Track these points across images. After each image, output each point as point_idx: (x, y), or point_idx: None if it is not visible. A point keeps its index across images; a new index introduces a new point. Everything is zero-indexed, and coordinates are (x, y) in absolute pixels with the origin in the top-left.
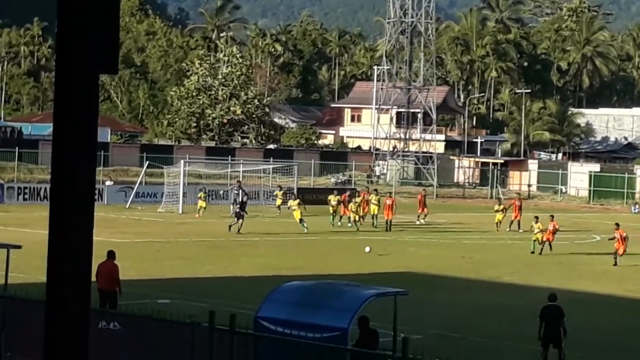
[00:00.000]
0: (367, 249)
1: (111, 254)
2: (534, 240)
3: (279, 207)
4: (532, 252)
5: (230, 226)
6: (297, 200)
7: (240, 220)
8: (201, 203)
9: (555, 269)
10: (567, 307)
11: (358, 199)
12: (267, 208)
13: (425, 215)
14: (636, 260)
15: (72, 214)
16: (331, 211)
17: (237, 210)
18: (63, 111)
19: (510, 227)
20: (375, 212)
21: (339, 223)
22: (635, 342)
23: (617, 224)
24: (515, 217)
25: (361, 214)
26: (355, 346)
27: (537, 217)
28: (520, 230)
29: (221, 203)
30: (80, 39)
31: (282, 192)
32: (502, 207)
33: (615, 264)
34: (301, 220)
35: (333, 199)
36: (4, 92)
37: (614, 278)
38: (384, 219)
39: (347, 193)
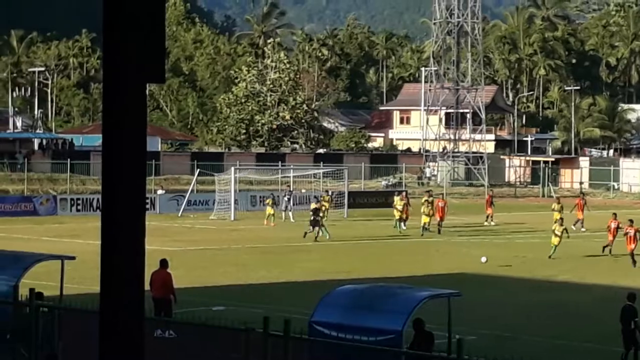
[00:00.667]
0: (484, 259)
1: (164, 263)
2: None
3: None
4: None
5: (305, 233)
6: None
7: (317, 228)
8: (269, 210)
9: (611, 266)
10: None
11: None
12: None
13: (490, 217)
14: None
15: (124, 224)
16: (397, 216)
17: (313, 218)
18: (112, 122)
19: (574, 225)
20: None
21: (404, 227)
22: None
23: (631, 220)
24: (579, 216)
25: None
26: (410, 349)
27: (614, 214)
28: (583, 230)
29: (273, 209)
30: (127, 49)
31: (328, 196)
32: (560, 205)
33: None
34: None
35: (399, 202)
36: (54, 105)
37: None
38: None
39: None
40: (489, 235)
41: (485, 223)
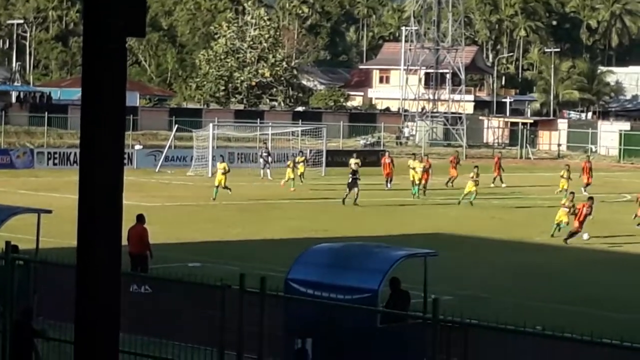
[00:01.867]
0: (586, 236)
1: (140, 218)
2: None
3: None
4: None
5: (344, 199)
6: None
7: (355, 189)
8: (290, 173)
9: (587, 228)
10: (601, 266)
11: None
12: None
13: (495, 179)
14: None
15: (102, 178)
16: (415, 179)
17: (351, 180)
18: (91, 75)
19: (585, 190)
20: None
21: (424, 194)
22: None
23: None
24: (588, 180)
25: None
26: (386, 307)
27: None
28: (585, 194)
29: (250, 166)
30: (107, 2)
31: (303, 158)
32: (568, 173)
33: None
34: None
35: (418, 165)
36: (32, 58)
37: None
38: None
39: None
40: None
41: (492, 185)
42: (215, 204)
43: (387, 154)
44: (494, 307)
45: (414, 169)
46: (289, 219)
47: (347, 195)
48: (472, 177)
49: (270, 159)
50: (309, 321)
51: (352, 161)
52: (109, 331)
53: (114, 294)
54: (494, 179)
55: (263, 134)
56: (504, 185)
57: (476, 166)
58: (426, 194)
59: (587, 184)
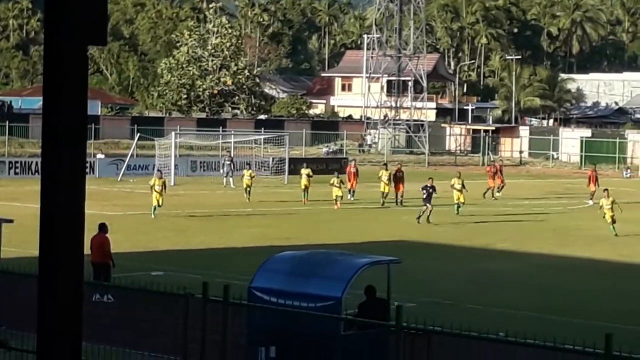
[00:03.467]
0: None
1: (102, 227)
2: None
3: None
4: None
5: (418, 217)
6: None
7: (429, 205)
8: (337, 191)
9: (548, 235)
10: (562, 272)
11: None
12: (259, 179)
13: (501, 188)
14: (630, 225)
15: (63, 188)
16: (383, 190)
17: (426, 195)
18: (52, 84)
19: (592, 199)
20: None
21: (401, 204)
22: (630, 305)
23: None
24: (593, 189)
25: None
26: (360, 315)
27: (606, 190)
28: (591, 202)
29: (213, 174)
30: (68, 11)
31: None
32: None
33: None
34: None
35: (385, 174)
36: None
37: (607, 243)
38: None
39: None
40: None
41: (499, 194)
42: (178, 213)
43: (353, 162)
44: (457, 314)
45: (382, 179)
46: (252, 227)
47: (423, 212)
48: (454, 185)
49: (233, 166)
50: (273, 329)
51: (304, 171)
52: (71, 341)
53: (76, 303)
54: (499, 188)
55: (225, 142)
56: (499, 194)
57: (459, 172)
58: (402, 204)
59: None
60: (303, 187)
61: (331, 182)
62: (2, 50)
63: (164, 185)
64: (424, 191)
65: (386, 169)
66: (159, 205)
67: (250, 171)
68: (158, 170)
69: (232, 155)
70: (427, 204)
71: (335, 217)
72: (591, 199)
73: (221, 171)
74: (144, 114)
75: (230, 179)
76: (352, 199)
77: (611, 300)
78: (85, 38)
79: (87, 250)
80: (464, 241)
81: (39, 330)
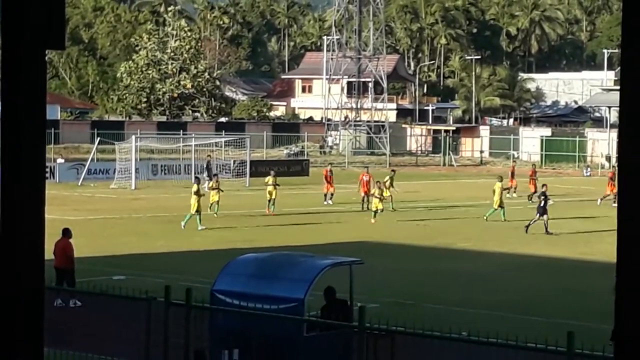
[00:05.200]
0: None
1: (66, 232)
2: None
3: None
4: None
5: (527, 227)
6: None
7: (545, 216)
8: (377, 204)
9: (509, 234)
10: (522, 271)
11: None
12: (221, 182)
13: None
14: (589, 223)
15: (23, 193)
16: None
17: (543, 203)
18: (10, 89)
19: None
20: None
21: (330, 202)
22: (591, 303)
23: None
24: (611, 190)
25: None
26: (323, 317)
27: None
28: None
29: (174, 178)
30: (26, 15)
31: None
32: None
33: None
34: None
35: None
36: None
37: (567, 242)
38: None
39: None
40: (390, 204)
41: (514, 195)
42: (140, 216)
43: (329, 166)
44: (420, 314)
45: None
46: (214, 230)
47: (535, 221)
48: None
49: (210, 170)
50: (236, 332)
51: (270, 179)
52: (32, 346)
53: (37, 308)
54: (514, 188)
55: (186, 146)
56: (514, 195)
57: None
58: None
59: (606, 196)
60: (269, 197)
61: (372, 192)
62: None
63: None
64: (542, 198)
65: (392, 177)
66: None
67: (271, 177)
68: (196, 177)
69: (212, 159)
70: (542, 215)
71: (296, 219)
72: (530, 199)
73: (205, 174)
74: (104, 118)
75: (206, 182)
76: (329, 202)
77: (572, 298)
78: (43, 42)
79: (51, 255)
80: (425, 241)
81: (0, 335)
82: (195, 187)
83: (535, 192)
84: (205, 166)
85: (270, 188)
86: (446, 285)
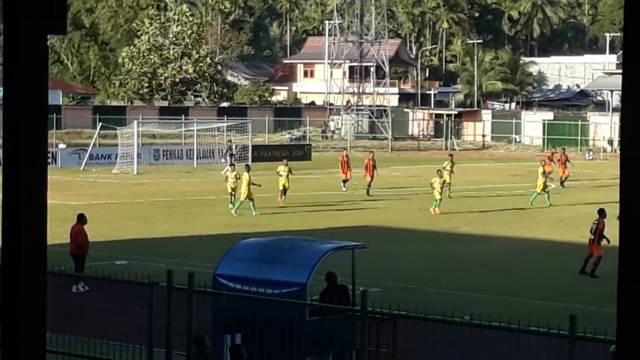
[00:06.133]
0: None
1: (80, 217)
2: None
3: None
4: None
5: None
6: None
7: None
8: (437, 192)
9: (511, 217)
10: (525, 255)
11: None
12: (222, 166)
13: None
14: (593, 207)
15: (25, 178)
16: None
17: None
18: (12, 74)
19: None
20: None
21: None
22: (593, 286)
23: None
24: (567, 173)
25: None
26: (322, 301)
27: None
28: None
29: (176, 163)
30: (28, 0)
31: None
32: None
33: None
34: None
35: (448, 164)
36: None
37: (570, 225)
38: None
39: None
40: (392, 189)
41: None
42: (142, 201)
43: (344, 152)
44: (422, 298)
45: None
46: (216, 215)
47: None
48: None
49: (232, 156)
50: (238, 316)
51: (281, 168)
52: (35, 331)
53: (40, 293)
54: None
55: (188, 130)
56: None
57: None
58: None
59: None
60: (281, 187)
61: (432, 181)
62: None
63: (236, 177)
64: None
65: (451, 160)
66: (233, 196)
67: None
68: (231, 164)
69: (233, 145)
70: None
71: (298, 203)
72: (562, 184)
73: (223, 160)
74: (106, 103)
75: (227, 167)
76: (345, 189)
77: (574, 282)
78: (45, 27)
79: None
80: (427, 225)
81: (3, 320)
82: (246, 176)
83: (568, 176)
84: (225, 152)
85: (282, 179)
86: (448, 270)
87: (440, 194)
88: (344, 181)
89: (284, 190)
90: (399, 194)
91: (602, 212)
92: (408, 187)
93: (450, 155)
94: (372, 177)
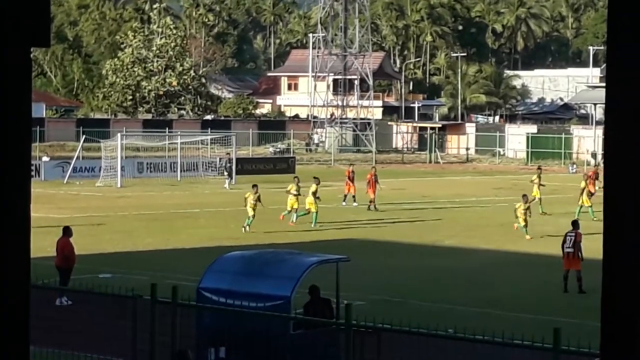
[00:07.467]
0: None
1: (65, 230)
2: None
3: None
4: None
5: None
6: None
7: None
8: (522, 215)
9: (495, 231)
10: (509, 268)
11: None
12: (206, 179)
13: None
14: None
15: (9, 191)
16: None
17: None
18: None
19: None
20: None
21: (355, 203)
22: (577, 300)
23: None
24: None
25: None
26: (305, 315)
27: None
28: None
29: (159, 175)
30: (10, 12)
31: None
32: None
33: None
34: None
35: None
36: None
37: (553, 238)
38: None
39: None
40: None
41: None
42: (125, 214)
43: (351, 167)
44: (406, 311)
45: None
46: (200, 228)
47: None
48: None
49: (231, 169)
50: (222, 330)
51: (292, 187)
52: (18, 344)
53: (23, 307)
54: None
55: (172, 143)
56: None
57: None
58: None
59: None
60: (290, 207)
61: (518, 207)
62: None
63: (259, 199)
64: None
65: (539, 175)
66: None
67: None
68: (253, 185)
69: (231, 157)
70: None
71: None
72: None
73: (225, 174)
74: (90, 115)
75: (226, 181)
76: (348, 204)
77: (558, 295)
78: (28, 40)
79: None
80: (412, 238)
81: None
82: (294, 188)
83: (593, 193)
84: (224, 165)
85: (292, 199)
86: (433, 282)
87: (525, 219)
88: (346, 196)
89: (292, 210)
90: (383, 207)
91: (576, 224)
92: (392, 201)
93: (539, 168)
94: (374, 192)
